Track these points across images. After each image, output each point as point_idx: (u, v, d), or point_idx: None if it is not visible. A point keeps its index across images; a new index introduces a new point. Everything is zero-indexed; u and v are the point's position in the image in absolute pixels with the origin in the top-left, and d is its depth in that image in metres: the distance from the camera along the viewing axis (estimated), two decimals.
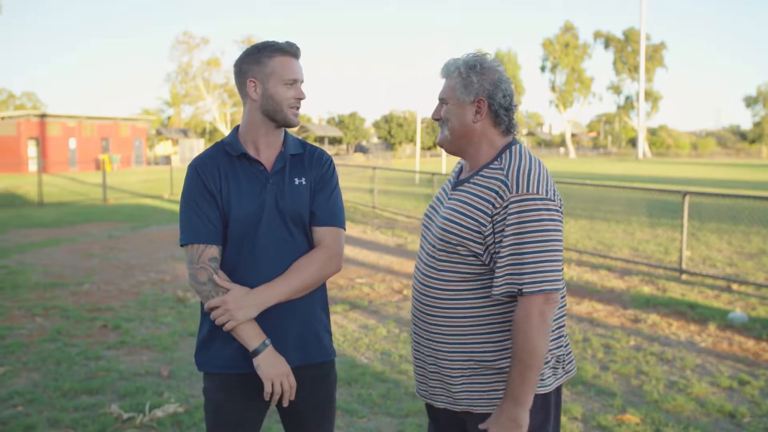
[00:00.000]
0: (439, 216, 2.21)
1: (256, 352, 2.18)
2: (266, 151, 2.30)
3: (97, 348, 5.77)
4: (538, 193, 2.01)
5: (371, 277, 8.85)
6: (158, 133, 66.59)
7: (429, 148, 74.04)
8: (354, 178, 23.98)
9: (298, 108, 2.29)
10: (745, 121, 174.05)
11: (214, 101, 64.37)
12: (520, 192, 2.00)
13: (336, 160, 38.91)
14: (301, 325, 2.31)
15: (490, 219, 2.04)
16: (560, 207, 2.08)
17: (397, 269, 9.49)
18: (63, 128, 45.99)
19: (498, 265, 2.02)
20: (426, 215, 2.34)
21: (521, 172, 2.04)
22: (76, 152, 46.48)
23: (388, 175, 21.14)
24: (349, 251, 11.07)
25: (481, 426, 2.10)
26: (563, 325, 2.22)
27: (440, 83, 2.26)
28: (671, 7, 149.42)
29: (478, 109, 2.14)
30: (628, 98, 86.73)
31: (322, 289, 2.39)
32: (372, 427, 4.23)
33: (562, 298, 2.16)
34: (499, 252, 2.02)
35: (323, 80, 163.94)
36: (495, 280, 2.03)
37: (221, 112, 64.88)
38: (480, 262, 2.09)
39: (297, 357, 2.29)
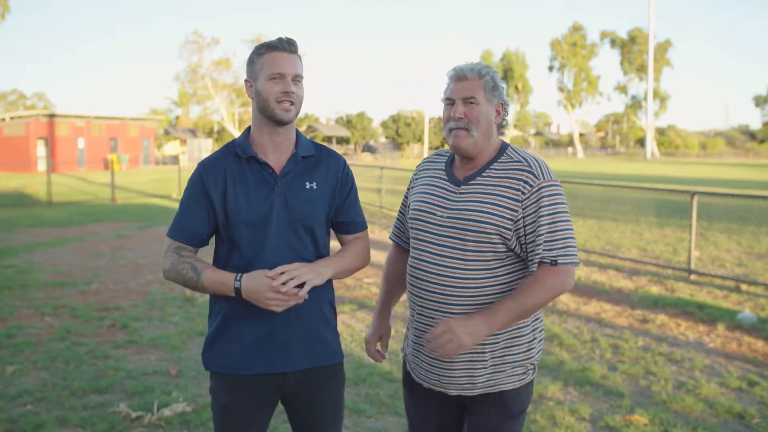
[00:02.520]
0: (457, 210, 2.28)
1: (237, 290, 2.18)
2: (274, 152, 2.29)
3: (105, 347, 5.79)
4: (557, 180, 2.27)
5: (379, 277, 8.83)
6: (166, 132, 66.79)
7: (436, 148, 73.81)
8: (362, 177, 23.92)
9: (288, 102, 2.21)
10: (755, 120, 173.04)
11: (222, 101, 64.49)
12: (546, 179, 2.23)
13: None
14: (308, 328, 2.30)
15: (520, 204, 2.22)
16: None
17: None
18: (72, 128, 46.15)
19: (535, 242, 2.20)
20: (424, 211, 2.37)
21: (539, 163, 2.28)
22: (85, 152, 46.63)
23: (395, 174, 21.13)
24: None
25: (441, 323, 2.17)
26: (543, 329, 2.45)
27: (455, 85, 2.30)
28: (677, 6, 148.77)
29: (498, 113, 2.32)
30: (634, 98, 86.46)
31: (329, 289, 2.39)
32: (380, 426, 4.24)
33: None
34: (535, 231, 2.21)
35: (331, 80, 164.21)
36: (530, 255, 2.23)
37: (229, 112, 64.95)
38: (506, 247, 2.25)
39: (305, 360, 2.29)
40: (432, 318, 2.31)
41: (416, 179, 2.56)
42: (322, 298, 2.34)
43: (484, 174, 2.29)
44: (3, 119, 45.39)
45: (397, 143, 75.77)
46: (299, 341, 2.27)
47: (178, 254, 2.27)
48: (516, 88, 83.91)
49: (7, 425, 4.18)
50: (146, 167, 49.88)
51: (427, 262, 2.33)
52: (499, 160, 2.31)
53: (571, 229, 2.25)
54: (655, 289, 8.14)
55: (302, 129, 69.83)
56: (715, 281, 8.66)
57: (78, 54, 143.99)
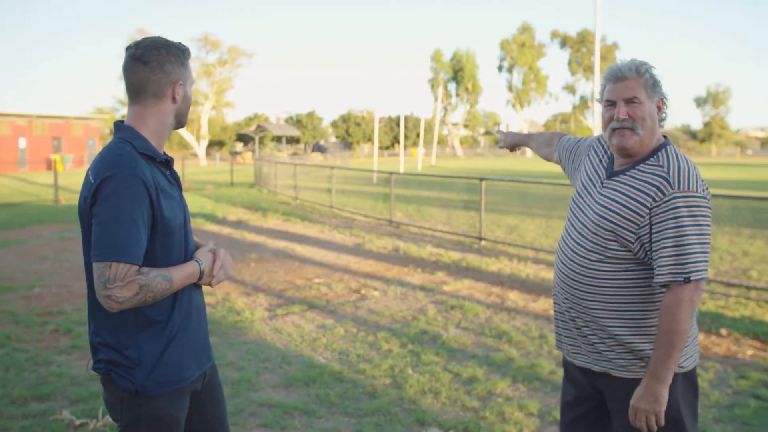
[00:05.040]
0: (593, 202, 2.38)
1: (202, 272, 2.20)
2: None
3: (47, 353, 5.63)
4: (698, 191, 2.19)
5: (329, 277, 8.82)
6: (112, 132, 65.44)
7: (387, 148, 74.16)
8: (312, 177, 23.88)
9: None
10: (696, 120, 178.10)
11: None
12: (682, 189, 2.17)
13: (294, 160, 38.77)
14: (205, 322, 2.36)
15: (648, 211, 2.20)
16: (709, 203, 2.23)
17: (354, 269, 9.48)
18: (12, 127, 44.83)
19: (661, 255, 2.17)
20: (574, 197, 2.51)
21: (682, 171, 2.22)
22: (27, 152, 45.37)
23: (345, 174, 21.15)
24: (307, 251, 11.02)
25: (631, 417, 2.28)
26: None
27: (613, 86, 2.32)
28: (624, 8, 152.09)
29: (659, 108, 2.32)
30: (582, 98, 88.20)
31: None
32: (330, 427, 4.22)
33: None
34: (659, 242, 2.18)
35: (281, 79, 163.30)
36: (658, 269, 2.18)
37: None
38: (625, 249, 2.27)
39: (211, 353, 2.38)
40: (568, 294, 2.42)
41: (586, 154, 2.63)
42: None
43: (629, 173, 2.30)
44: None
45: (347, 143, 75.72)
46: (207, 336, 2.34)
47: (144, 274, 2.03)
48: (466, 88, 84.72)
49: None
50: None
51: (564, 245, 2.47)
52: (649, 160, 2.29)
53: (706, 243, 2.17)
54: None
55: (252, 129, 69.30)
56: None
57: (19, 52, 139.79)
